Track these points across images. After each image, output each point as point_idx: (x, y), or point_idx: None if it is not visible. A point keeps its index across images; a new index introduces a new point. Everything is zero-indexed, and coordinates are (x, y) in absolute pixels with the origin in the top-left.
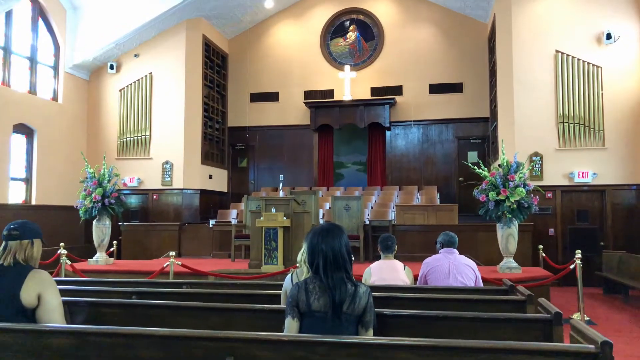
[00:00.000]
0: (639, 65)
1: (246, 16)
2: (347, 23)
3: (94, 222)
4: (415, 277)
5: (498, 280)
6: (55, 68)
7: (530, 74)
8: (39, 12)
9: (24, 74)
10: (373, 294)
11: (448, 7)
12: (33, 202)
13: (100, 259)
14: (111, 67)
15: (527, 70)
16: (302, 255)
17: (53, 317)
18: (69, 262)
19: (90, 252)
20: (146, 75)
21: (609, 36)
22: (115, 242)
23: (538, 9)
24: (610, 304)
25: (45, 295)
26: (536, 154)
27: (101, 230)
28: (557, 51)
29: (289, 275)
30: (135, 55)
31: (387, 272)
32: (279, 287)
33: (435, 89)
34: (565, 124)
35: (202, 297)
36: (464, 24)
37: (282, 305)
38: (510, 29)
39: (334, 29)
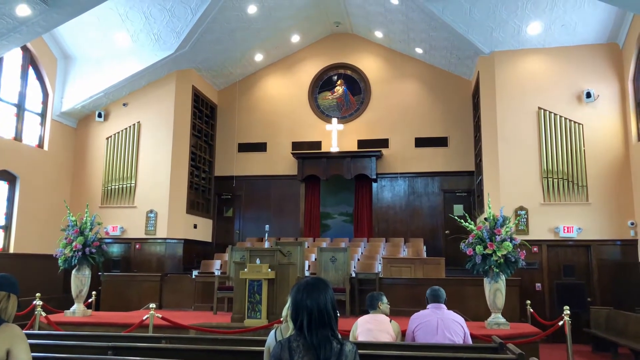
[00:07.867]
0: (619, 123)
1: (236, 69)
2: (335, 77)
3: (73, 271)
4: (403, 333)
5: (487, 337)
6: (43, 115)
7: (514, 129)
8: (30, 61)
9: (10, 120)
10: (359, 351)
11: (433, 64)
12: (11, 250)
13: (77, 310)
14: (99, 115)
15: (511, 126)
16: (287, 310)
17: None
18: (44, 314)
19: (69, 302)
20: (134, 124)
21: (588, 95)
22: (94, 292)
23: (520, 68)
24: None
25: (14, 350)
26: (521, 208)
27: (80, 280)
28: (539, 108)
29: (272, 332)
30: (124, 104)
31: (373, 323)
32: (262, 342)
33: (421, 142)
34: (549, 179)
35: (181, 353)
36: (449, 81)
37: None
38: (493, 86)
39: (322, 82)
